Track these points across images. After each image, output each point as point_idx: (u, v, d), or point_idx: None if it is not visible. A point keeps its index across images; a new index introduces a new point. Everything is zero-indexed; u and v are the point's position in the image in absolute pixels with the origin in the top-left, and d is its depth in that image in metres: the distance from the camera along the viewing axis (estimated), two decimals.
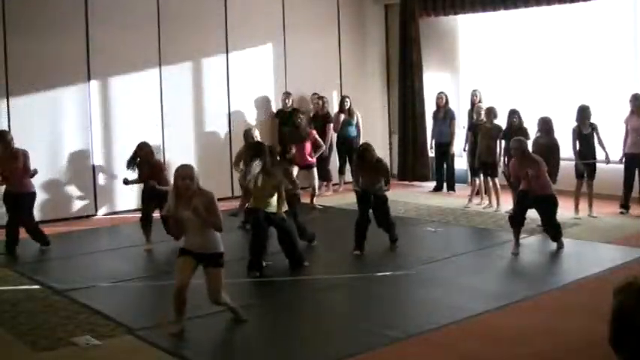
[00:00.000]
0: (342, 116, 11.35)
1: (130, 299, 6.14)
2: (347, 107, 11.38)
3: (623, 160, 9.03)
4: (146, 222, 7.94)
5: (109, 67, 9.74)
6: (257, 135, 9.04)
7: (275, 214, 6.75)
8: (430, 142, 11.43)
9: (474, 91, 10.66)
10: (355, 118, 11.42)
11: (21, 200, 7.73)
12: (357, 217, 7.49)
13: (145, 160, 7.88)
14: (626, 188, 9.06)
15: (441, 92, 11.15)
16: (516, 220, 7.38)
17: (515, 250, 7.27)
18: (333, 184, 11.50)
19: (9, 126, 9.05)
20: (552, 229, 7.39)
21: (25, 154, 7.73)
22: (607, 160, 8.82)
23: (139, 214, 9.81)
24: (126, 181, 8.02)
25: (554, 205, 7.31)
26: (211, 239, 5.11)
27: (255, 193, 6.83)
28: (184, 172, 5.08)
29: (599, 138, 8.76)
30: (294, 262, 6.92)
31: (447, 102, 11.05)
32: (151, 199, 7.86)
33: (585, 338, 4.79)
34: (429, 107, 11.78)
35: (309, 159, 10.00)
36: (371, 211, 7.49)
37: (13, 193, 7.73)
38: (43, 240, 7.96)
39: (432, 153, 11.52)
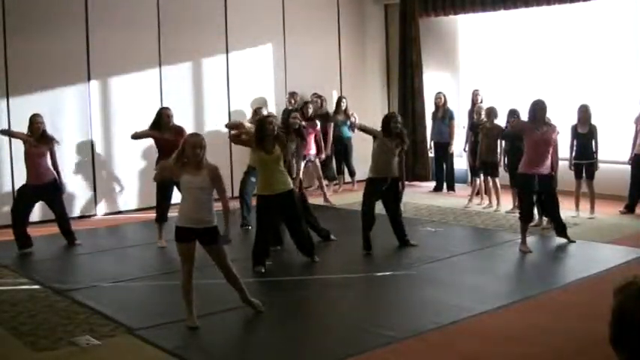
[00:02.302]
0: (339, 117, 11.34)
1: (130, 299, 6.14)
2: (343, 108, 11.38)
3: (632, 160, 9.00)
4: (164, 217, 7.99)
5: (109, 67, 9.75)
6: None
7: (290, 191, 6.76)
8: (429, 142, 11.44)
9: (476, 90, 10.67)
10: (351, 119, 11.37)
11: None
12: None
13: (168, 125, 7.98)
14: (633, 189, 9.03)
15: (440, 92, 11.16)
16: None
17: (526, 247, 7.29)
18: (335, 184, 11.50)
19: (9, 126, 9.05)
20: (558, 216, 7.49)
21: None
22: (595, 166, 8.76)
23: (139, 214, 9.89)
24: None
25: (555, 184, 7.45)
26: (211, 212, 5.22)
27: (267, 161, 6.66)
28: (198, 140, 5.26)
29: (595, 141, 8.73)
30: (305, 251, 7.00)
31: (445, 102, 11.05)
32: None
33: (585, 338, 4.79)
34: (429, 107, 11.77)
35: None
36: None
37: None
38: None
39: (431, 153, 11.52)
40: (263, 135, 6.67)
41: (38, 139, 7.79)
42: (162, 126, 8.04)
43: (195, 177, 5.18)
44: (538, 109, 7.22)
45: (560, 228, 7.54)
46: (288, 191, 6.77)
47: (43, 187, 7.82)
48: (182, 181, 5.23)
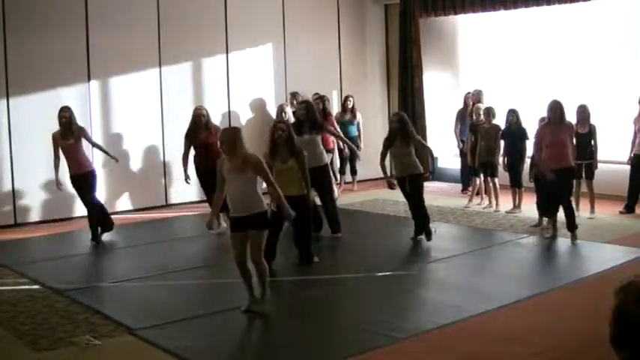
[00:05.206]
0: (346, 116, 11.35)
1: (130, 299, 6.14)
2: (350, 107, 11.38)
3: (630, 161, 9.00)
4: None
5: (109, 67, 9.75)
6: (288, 111, 9.99)
7: (303, 196, 6.74)
8: (458, 142, 10.85)
9: (475, 90, 10.60)
10: (357, 118, 11.42)
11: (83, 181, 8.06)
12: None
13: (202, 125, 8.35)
14: (632, 189, 9.02)
15: (469, 92, 10.80)
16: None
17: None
18: (336, 184, 11.49)
19: (9, 126, 9.07)
20: (570, 211, 7.51)
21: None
22: (595, 165, 8.75)
23: (139, 214, 9.89)
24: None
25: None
26: (256, 199, 5.42)
27: (280, 170, 6.71)
28: (221, 136, 5.54)
29: (594, 141, 8.72)
30: (304, 256, 7.01)
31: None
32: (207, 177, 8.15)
33: (585, 338, 4.79)
34: (429, 107, 11.77)
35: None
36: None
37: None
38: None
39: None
40: (274, 143, 6.75)
41: (64, 132, 7.91)
42: (196, 127, 8.41)
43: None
44: (551, 109, 7.46)
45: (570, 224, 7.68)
46: (301, 196, 6.72)
47: (80, 177, 8.02)
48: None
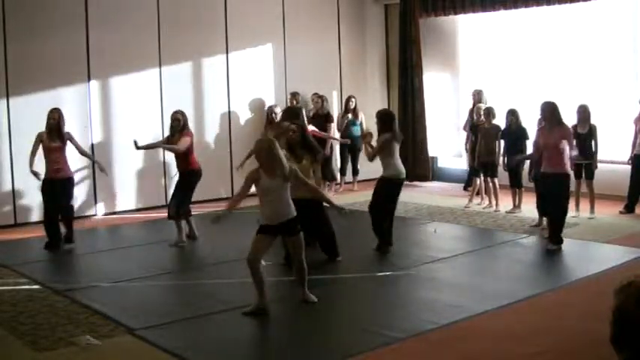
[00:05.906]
0: (349, 116, 11.36)
1: (130, 299, 6.13)
2: (352, 107, 11.39)
3: (631, 160, 9.00)
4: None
5: (109, 67, 9.75)
6: (278, 112, 10.14)
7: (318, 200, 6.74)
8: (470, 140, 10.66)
9: (475, 90, 10.59)
10: (360, 118, 11.43)
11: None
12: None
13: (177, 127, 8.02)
14: (632, 189, 9.02)
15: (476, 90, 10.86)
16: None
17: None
18: (336, 184, 11.50)
19: (9, 126, 9.07)
20: (555, 220, 7.29)
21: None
22: (595, 165, 8.72)
23: (138, 214, 9.89)
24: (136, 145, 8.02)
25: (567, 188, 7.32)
26: (291, 205, 5.57)
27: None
28: (256, 149, 5.59)
29: (595, 141, 8.71)
30: (331, 254, 7.10)
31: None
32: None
33: (585, 338, 4.79)
34: (429, 107, 11.77)
35: None
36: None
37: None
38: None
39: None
40: (287, 143, 6.79)
41: (51, 134, 7.79)
42: (172, 131, 8.17)
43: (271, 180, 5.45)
44: (540, 110, 7.35)
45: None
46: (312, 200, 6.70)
47: (58, 182, 7.83)
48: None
